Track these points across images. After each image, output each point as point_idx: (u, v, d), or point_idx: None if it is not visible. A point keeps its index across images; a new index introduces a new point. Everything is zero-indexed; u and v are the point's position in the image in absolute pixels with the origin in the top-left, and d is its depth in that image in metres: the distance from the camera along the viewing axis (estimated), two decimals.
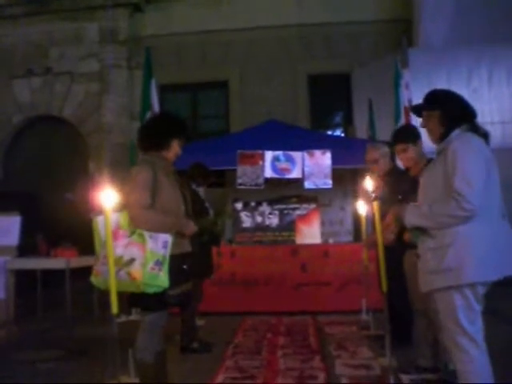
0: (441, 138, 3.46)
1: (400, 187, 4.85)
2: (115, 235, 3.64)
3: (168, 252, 3.65)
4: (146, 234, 3.61)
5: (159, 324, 3.83)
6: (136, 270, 3.56)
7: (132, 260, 3.59)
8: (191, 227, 3.92)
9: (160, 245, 3.63)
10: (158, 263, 3.58)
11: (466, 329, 3.22)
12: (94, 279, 3.79)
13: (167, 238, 3.67)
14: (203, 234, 5.44)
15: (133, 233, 3.67)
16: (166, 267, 3.62)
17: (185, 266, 3.92)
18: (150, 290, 3.61)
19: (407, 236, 4.07)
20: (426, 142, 4.32)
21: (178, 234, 3.83)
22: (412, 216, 3.42)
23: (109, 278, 3.56)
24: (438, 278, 3.27)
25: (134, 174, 3.89)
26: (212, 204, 6.61)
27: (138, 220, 3.70)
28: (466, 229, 3.20)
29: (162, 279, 3.60)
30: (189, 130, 4.32)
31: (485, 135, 3.42)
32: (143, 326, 3.86)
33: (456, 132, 3.38)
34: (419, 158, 4.81)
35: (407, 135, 4.90)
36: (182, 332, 5.97)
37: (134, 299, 3.86)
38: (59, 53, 12.90)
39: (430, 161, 4.31)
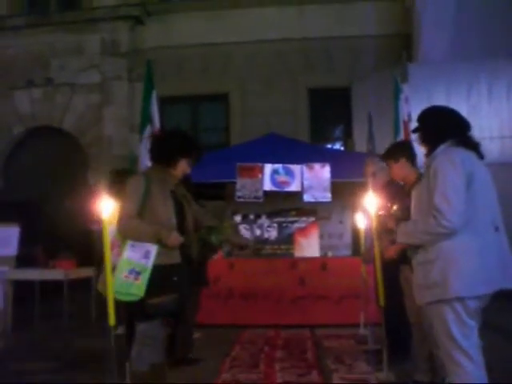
0: (428, 154, 3.51)
1: (396, 201, 4.86)
2: (112, 245, 3.68)
3: (150, 262, 3.66)
4: (129, 244, 3.65)
5: (151, 335, 3.81)
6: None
7: (114, 268, 3.64)
8: (174, 238, 3.88)
9: (141, 254, 3.65)
10: (134, 272, 3.60)
11: (459, 342, 3.21)
12: (99, 286, 3.88)
13: (150, 247, 3.68)
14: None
15: (122, 242, 3.71)
16: (144, 276, 3.63)
17: (175, 278, 3.91)
18: (124, 298, 3.62)
19: (393, 251, 4.30)
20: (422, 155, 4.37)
21: (165, 245, 3.83)
22: (400, 234, 3.53)
23: (121, 288, 3.61)
24: (427, 292, 3.30)
25: (126, 186, 3.94)
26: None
27: (124, 229, 3.76)
28: (450, 243, 3.22)
29: (138, 288, 3.61)
30: (199, 150, 4.31)
31: (475, 146, 3.42)
32: (136, 337, 3.86)
33: (441, 147, 3.41)
34: (406, 173, 4.81)
35: (387, 155, 4.94)
36: (176, 344, 5.90)
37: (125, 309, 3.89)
38: (60, 64, 12.94)
39: (421, 175, 4.44)
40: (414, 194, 3.55)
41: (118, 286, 3.60)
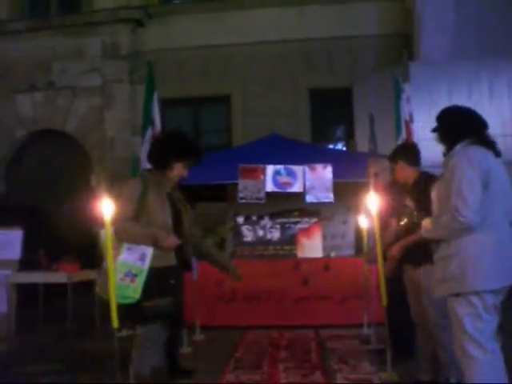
0: (446, 152, 3.64)
1: (400, 200, 4.90)
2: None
3: (146, 264, 3.66)
4: (125, 246, 3.65)
5: (152, 339, 3.82)
6: None
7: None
8: (170, 241, 3.89)
9: (136, 257, 3.65)
10: (130, 274, 3.60)
11: (473, 336, 3.31)
12: (97, 289, 3.87)
13: (146, 250, 3.68)
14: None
15: (119, 245, 3.71)
16: (140, 279, 3.63)
17: (172, 281, 3.92)
18: (120, 301, 3.62)
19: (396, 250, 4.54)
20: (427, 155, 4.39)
21: (160, 247, 3.83)
22: (424, 229, 3.69)
23: (107, 289, 3.60)
24: (445, 285, 3.44)
25: (122, 189, 3.95)
26: (213, 218, 6.59)
27: (119, 231, 3.76)
28: (468, 239, 3.35)
29: (134, 290, 3.61)
30: (195, 152, 4.30)
31: (491, 144, 3.56)
32: (136, 340, 3.87)
33: (458, 146, 3.53)
34: (406, 173, 4.85)
35: (390, 157, 5.04)
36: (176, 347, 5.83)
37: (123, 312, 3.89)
38: (61, 67, 12.96)
39: (422, 174, 4.73)
40: (433, 192, 3.68)
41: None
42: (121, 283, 3.59)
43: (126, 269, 3.60)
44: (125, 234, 3.76)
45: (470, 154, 3.45)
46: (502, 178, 3.48)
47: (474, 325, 3.31)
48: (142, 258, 3.66)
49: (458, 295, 3.37)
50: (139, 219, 3.81)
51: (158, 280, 3.74)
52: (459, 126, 3.63)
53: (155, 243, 3.78)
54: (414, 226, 4.28)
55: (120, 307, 3.71)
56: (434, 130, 3.79)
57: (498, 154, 3.56)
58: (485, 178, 3.37)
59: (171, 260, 3.96)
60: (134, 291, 3.60)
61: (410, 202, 3.98)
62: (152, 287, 3.68)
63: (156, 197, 3.93)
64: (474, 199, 3.30)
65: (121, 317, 4.14)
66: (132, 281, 3.59)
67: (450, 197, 3.37)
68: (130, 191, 3.89)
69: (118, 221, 3.77)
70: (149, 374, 3.80)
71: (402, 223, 4.10)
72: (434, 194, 3.70)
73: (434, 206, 3.66)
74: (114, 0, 12.88)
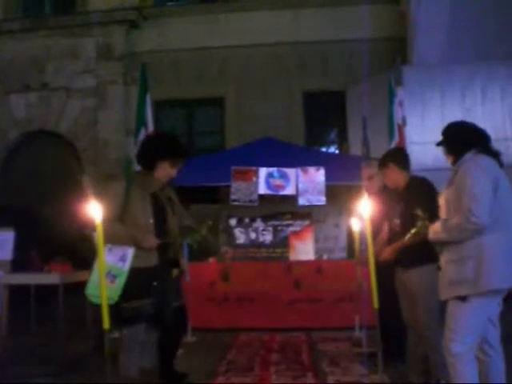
0: (453, 163, 3.82)
1: (393, 203, 4.92)
2: None
3: (127, 265, 3.64)
4: (107, 247, 3.63)
5: (136, 340, 3.81)
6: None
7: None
8: (150, 241, 3.89)
9: (117, 257, 3.63)
10: (110, 275, 3.58)
11: (464, 337, 3.54)
12: (87, 290, 3.86)
13: (127, 251, 3.67)
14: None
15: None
16: (121, 280, 3.61)
17: (154, 283, 3.91)
18: (98, 302, 3.62)
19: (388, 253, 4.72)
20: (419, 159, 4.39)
21: (142, 248, 3.82)
22: (431, 232, 3.79)
23: (95, 291, 3.60)
24: (458, 287, 3.56)
25: (105, 189, 3.96)
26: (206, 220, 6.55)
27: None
28: (480, 242, 3.52)
29: (114, 291, 3.59)
30: (180, 152, 4.30)
31: (495, 155, 3.74)
32: (123, 343, 3.87)
33: (468, 155, 3.72)
34: (397, 177, 4.90)
35: (380, 162, 5.11)
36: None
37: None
38: (55, 68, 12.95)
39: (412, 178, 4.83)
40: (441, 197, 3.83)
41: (92, 288, 3.57)
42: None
43: (107, 269, 3.58)
44: (106, 234, 3.75)
45: (481, 162, 3.65)
46: (506, 184, 3.66)
47: (478, 323, 3.56)
48: (123, 258, 3.64)
49: (465, 297, 3.53)
50: (124, 220, 3.81)
51: (139, 281, 3.72)
52: (467, 137, 3.84)
53: (135, 244, 3.78)
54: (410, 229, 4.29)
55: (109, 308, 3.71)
56: (439, 144, 3.97)
57: (502, 164, 3.74)
58: (494, 184, 3.55)
59: (153, 260, 3.96)
60: (114, 292, 3.58)
61: (419, 211, 3.97)
62: (132, 288, 3.66)
63: (139, 197, 3.93)
64: (486, 202, 3.48)
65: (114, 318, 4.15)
66: (112, 282, 3.57)
67: (461, 201, 3.54)
68: (113, 192, 3.90)
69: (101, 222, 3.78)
70: (137, 374, 3.79)
71: (412, 233, 4.11)
72: (441, 200, 3.82)
73: (442, 211, 3.78)
74: (109, 1, 12.83)
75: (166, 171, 4.11)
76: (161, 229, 4.07)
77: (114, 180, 4.11)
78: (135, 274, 3.70)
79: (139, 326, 3.80)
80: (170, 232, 4.20)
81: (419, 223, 3.96)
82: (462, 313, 3.56)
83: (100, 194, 3.89)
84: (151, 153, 4.10)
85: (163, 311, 4.07)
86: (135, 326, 3.79)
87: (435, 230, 3.75)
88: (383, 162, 4.99)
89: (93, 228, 3.76)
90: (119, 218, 3.81)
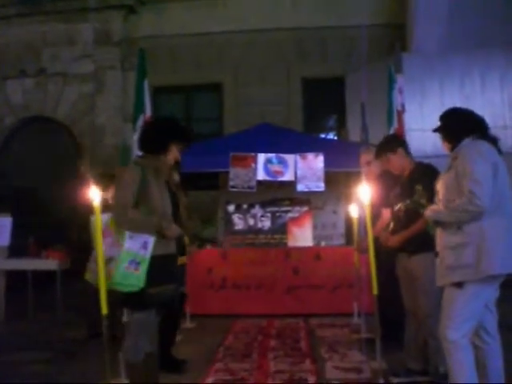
0: (451, 149, 3.84)
1: (391, 189, 4.90)
2: (104, 234, 3.67)
3: (149, 252, 3.66)
4: (127, 234, 3.63)
5: (146, 324, 3.80)
6: (111, 269, 3.62)
7: (110, 259, 3.65)
8: (174, 230, 3.88)
9: (139, 245, 3.65)
10: (134, 262, 3.60)
11: (460, 324, 3.56)
12: (87, 275, 3.88)
13: (148, 238, 3.68)
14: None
15: (118, 232, 3.69)
16: (143, 267, 3.64)
17: (172, 269, 3.93)
18: (125, 289, 3.63)
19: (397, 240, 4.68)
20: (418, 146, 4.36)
21: (162, 235, 3.81)
22: (430, 211, 3.81)
23: (97, 276, 3.61)
24: (458, 272, 3.58)
25: (121, 175, 3.93)
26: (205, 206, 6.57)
27: (120, 219, 3.73)
28: (480, 228, 3.54)
29: (138, 278, 3.62)
30: (189, 134, 4.30)
31: (494, 141, 3.75)
32: (130, 327, 3.85)
33: (466, 141, 3.74)
34: (404, 163, 4.86)
35: (384, 147, 5.00)
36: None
37: (122, 299, 3.87)
38: (52, 54, 12.88)
39: (418, 164, 4.81)
40: (440, 182, 3.84)
41: (120, 277, 3.59)
42: (126, 271, 3.59)
43: (131, 257, 3.60)
44: (126, 222, 3.71)
45: (480, 147, 3.67)
46: (505, 170, 3.67)
47: (476, 308, 3.59)
48: (145, 246, 3.66)
49: (461, 284, 3.55)
50: (138, 207, 3.77)
51: (158, 267, 3.73)
52: (465, 123, 3.85)
53: (158, 232, 3.76)
54: (414, 215, 4.28)
55: (117, 294, 3.71)
56: (436, 130, 3.97)
57: (500, 151, 3.74)
58: (494, 169, 3.57)
59: (172, 248, 3.97)
60: (138, 279, 3.62)
61: (419, 187, 3.98)
62: (154, 275, 3.68)
63: (155, 184, 3.89)
64: (487, 185, 3.51)
65: (118, 304, 4.16)
66: (136, 269, 3.61)
67: (462, 185, 3.55)
68: (130, 178, 3.83)
69: (118, 208, 3.76)
70: (142, 360, 3.78)
71: (408, 202, 4.11)
72: (439, 185, 3.82)
73: (441, 195, 3.78)
74: None
75: (174, 154, 4.09)
76: (176, 216, 4.06)
77: (128, 167, 4.04)
78: (158, 260, 3.72)
79: (151, 310, 3.80)
80: (181, 219, 4.21)
81: (416, 196, 3.98)
82: (458, 299, 3.57)
83: (116, 181, 3.88)
84: (164, 135, 4.05)
85: (180, 297, 4.12)
86: (148, 311, 3.78)
87: (435, 209, 3.78)
88: (390, 148, 4.89)
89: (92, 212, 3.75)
90: (135, 204, 3.77)
